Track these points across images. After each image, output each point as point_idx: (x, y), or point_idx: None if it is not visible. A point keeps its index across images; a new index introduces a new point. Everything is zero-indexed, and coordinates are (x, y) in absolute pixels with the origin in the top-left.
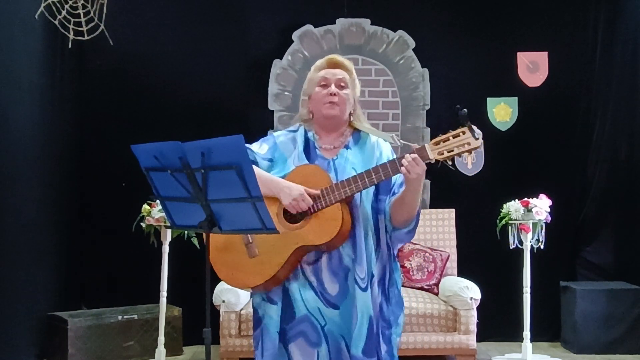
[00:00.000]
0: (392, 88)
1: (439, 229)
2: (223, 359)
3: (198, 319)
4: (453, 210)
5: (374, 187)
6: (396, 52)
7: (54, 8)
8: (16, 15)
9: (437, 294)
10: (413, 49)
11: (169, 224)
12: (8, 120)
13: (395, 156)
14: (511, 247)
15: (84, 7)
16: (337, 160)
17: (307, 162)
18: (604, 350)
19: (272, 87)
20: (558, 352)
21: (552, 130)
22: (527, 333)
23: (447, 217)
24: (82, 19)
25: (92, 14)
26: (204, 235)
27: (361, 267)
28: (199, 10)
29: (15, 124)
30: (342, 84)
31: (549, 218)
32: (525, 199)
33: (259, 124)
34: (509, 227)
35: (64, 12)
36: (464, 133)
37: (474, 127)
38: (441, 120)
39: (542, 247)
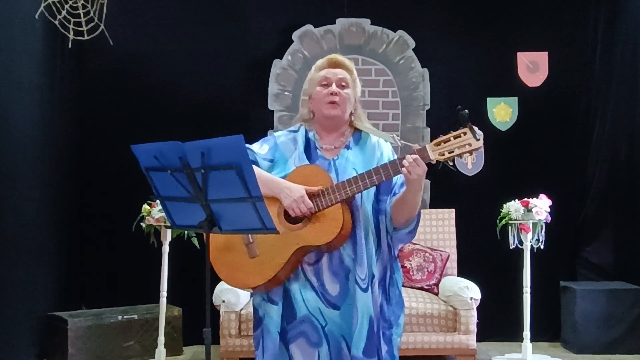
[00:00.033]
0: (392, 88)
1: (439, 229)
2: (223, 359)
3: (198, 319)
4: (453, 210)
5: (374, 187)
6: (396, 52)
7: (54, 8)
8: (16, 15)
9: (437, 294)
10: (413, 49)
11: (169, 224)
12: (8, 120)
13: (395, 156)
14: (511, 247)
15: (84, 7)
16: (337, 161)
17: (307, 162)
18: (604, 350)
19: (272, 87)
20: (558, 352)
21: (552, 130)
22: (527, 333)
23: (447, 217)
24: (82, 19)
25: (92, 14)
26: (204, 235)
27: (362, 268)
28: (199, 10)
29: (15, 124)
30: (343, 84)
31: (549, 218)
32: (525, 199)
33: (259, 124)
34: (509, 227)
35: (64, 12)
36: (465, 134)
37: (475, 128)
38: (441, 120)
39: (542, 247)
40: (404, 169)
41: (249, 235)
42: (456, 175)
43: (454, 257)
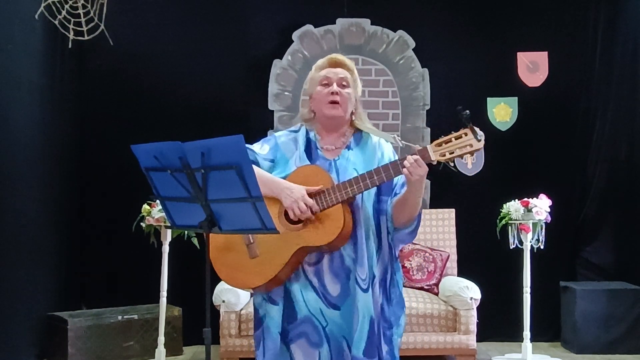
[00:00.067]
0: (392, 88)
1: (439, 229)
2: (223, 359)
3: (198, 319)
4: (453, 210)
5: (375, 187)
6: (396, 52)
7: (54, 8)
8: (16, 15)
9: (437, 294)
10: (413, 49)
11: (169, 224)
12: (8, 120)
13: (396, 157)
14: (511, 247)
15: (84, 7)
16: (338, 161)
17: (308, 162)
18: (604, 350)
19: (272, 87)
20: (558, 352)
21: (552, 130)
22: (527, 333)
23: (447, 217)
24: (82, 19)
25: (92, 14)
26: (204, 235)
27: (362, 268)
28: (199, 10)
29: (15, 124)
30: (344, 83)
31: (549, 218)
32: (525, 199)
33: (259, 124)
34: (509, 227)
35: (64, 12)
36: (466, 134)
37: (476, 129)
38: (441, 120)
39: (542, 247)
40: (404, 169)
41: (250, 235)
42: (456, 175)
43: (454, 257)
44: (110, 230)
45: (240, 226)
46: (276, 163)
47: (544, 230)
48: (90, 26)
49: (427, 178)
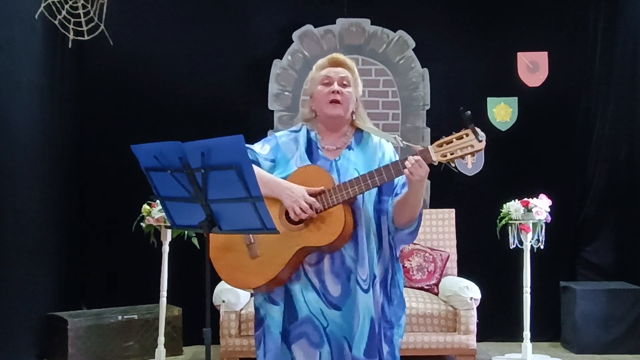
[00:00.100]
0: (392, 88)
1: (439, 229)
2: (223, 359)
3: (198, 319)
4: (453, 210)
5: (376, 188)
6: (396, 52)
7: (54, 8)
8: (16, 15)
9: (437, 294)
10: (413, 49)
11: (169, 224)
12: (8, 120)
13: (397, 157)
14: (511, 247)
15: (84, 7)
16: (339, 161)
17: (309, 162)
18: (604, 350)
19: (272, 87)
20: (558, 352)
21: (552, 130)
22: (527, 333)
23: (447, 217)
24: (82, 19)
25: (92, 14)
26: (204, 235)
27: (363, 269)
28: (199, 10)
29: (15, 124)
30: (345, 82)
31: (549, 218)
32: (525, 199)
33: (259, 124)
34: (509, 227)
35: (64, 12)
36: (467, 135)
37: (478, 129)
38: (441, 120)
39: (542, 247)
40: (406, 170)
41: (250, 235)
42: (456, 175)
43: (454, 257)
44: (110, 230)
45: (240, 226)
46: (277, 163)
47: (544, 230)
48: (90, 26)
49: (427, 178)
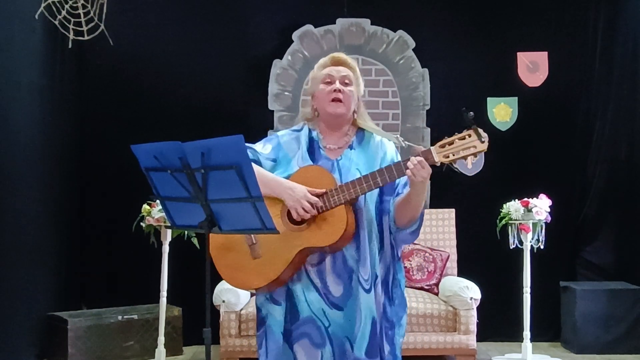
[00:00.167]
0: (392, 88)
1: (439, 229)
2: (223, 359)
3: (198, 319)
4: (453, 210)
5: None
6: (396, 52)
7: (54, 8)
8: (16, 15)
9: (437, 294)
10: (413, 49)
11: (169, 224)
12: (8, 120)
13: (399, 156)
14: (511, 247)
15: (84, 7)
16: (341, 161)
17: (311, 162)
18: (604, 350)
19: (272, 87)
20: (558, 352)
21: (552, 130)
22: (527, 333)
23: (447, 217)
24: (82, 19)
25: (92, 14)
26: (205, 235)
27: (365, 269)
28: (199, 10)
29: (15, 124)
30: (347, 81)
31: (549, 218)
32: (525, 199)
33: (259, 124)
34: (509, 227)
35: (64, 12)
36: (469, 136)
37: (480, 130)
38: (441, 121)
39: (542, 247)
40: (408, 171)
41: (252, 235)
42: (456, 175)
43: (454, 257)
44: (110, 230)
45: (240, 226)
46: (278, 162)
47: (544, 230)
48: (90, 26)
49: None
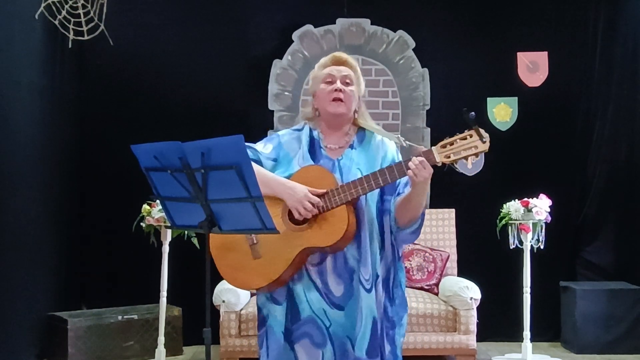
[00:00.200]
0: (392, 88)
1: (439, 229)
2: (223, 359)
3: (198, 319)
4: (453, 210)
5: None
6: (396, 52)
7: (54, 8)
8: (16, 15)
9: (437, 294)
10: (413, 49)
11: (169, 224)
12: (8, 120)
13: (400, 155)
14: (511, 247)
15: (84, 7)
16: (342, 161)
17: (312, 162)
18: (604, 350)
19: (272, 87)
20: (558, 352)
21: (552, 130)
22: (527, 333)
23: (447, 217)
24: (82, 19)
25: (92, 14)
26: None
27: (366, 269)
28: (199, 10)
29: (15, 124)
30: (348, 81)
31: (549, 218)
32: (525, 199)
33: (259, 124)
34: (509, 227)
35: (64, 12)
36: (471, 136)
37: (482, 130)
38: (441, 121)
39: (542, 247)
40: (409, 171)
41: (253, 235)
42: (456, 175)
43: (454, 257)
44: (110, 230)
45: (241, 226)
46: (279, 162)
47: (544, 230)
48: (90, 26)
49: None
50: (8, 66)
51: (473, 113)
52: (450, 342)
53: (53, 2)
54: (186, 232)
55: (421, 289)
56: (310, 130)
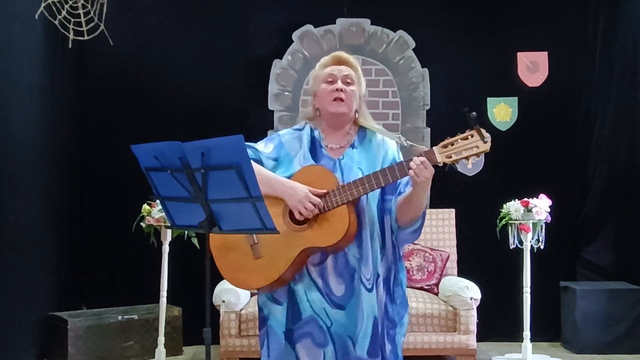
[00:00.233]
0: (392, 88)
1: (439, 229)
2: (223, 359)
3: (198, 319)
4: (453, 210)
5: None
6: (396, 52)
7: (54, 8)
8: (16, 15)
9: (437, 294)
10: (413, 49)
11: (169, 224)
12: (8, 120)
13: (400, 154)
14: (511, 247)
15: (84, 7)
16: (343, 161)
17: (313, 161)
18: (604, 350)
19: (272, 87)
20: (558, 352)
21: (552, 130)
22: (527, 333)
23: (447, 217)
24: (82, 19)
25: (92, 14)
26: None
27: (367, 268)
28: (199, 10)
29: (15, 124)
30: (349, 81)
31: (549, 218)
32: (525, 199)
33: (259, 124)
34: (509, 227)
35: (64, 12)
36: (472, 136)
37: (483, 131)
38: (441, 121)
39: (542, 247)
40: (411, 171)
41: (254, 235)
42: (456, 175)
43: (454, 257)
44: (110, 230)
45: (241, 226)
46: (280, 162)
47: (544, 230)
48: (90, 26)
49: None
50: (8, 66)
51: (474, 113)
52: (450, 342)
53: (53, 2)
54: (186, 232)
55: (421, 289)
56: (311, 130)
